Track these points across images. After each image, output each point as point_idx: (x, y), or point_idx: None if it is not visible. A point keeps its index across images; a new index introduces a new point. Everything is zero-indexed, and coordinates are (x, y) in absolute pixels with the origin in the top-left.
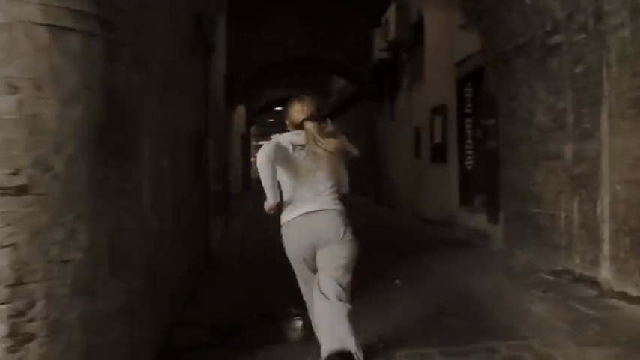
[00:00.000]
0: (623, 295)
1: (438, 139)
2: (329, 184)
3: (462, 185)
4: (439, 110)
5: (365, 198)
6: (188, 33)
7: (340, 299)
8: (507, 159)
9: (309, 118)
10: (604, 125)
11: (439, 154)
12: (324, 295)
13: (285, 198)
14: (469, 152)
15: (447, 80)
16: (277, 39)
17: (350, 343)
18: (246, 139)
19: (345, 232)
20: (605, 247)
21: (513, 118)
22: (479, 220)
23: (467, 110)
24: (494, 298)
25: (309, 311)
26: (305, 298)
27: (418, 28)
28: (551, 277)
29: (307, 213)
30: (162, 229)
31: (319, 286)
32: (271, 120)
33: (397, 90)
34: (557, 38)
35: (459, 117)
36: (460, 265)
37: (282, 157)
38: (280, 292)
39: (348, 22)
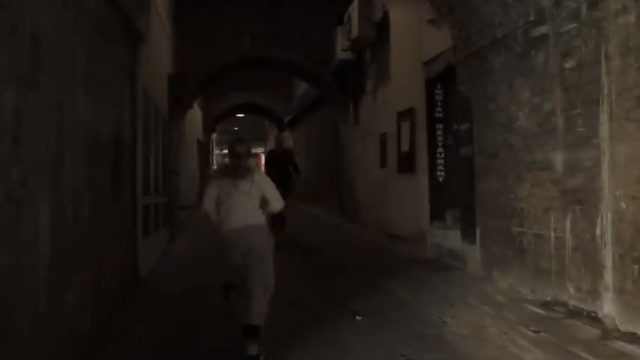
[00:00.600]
0: (633, 337)
1: (405, 147)
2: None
3: (433, 198)
4: (406, 114)
5: (328, 211)
6: (97, 14)
7: None
8: (484, 169)
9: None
10: (603, 129)
11: (407, 163)
12: None
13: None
14: (440, 161)
15: (414, 81)
16: (232, 37)
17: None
18: (204, 147)
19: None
20: (608, 276)
21: (491, 122)
22: (453, 239)
23: (437, 114)
24: (477, 343)
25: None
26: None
27: (383, 26)
28: (540, 311)
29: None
30: (24, 263)
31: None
32: (236, 128)
33: (361, 93)
34: (542, 29)
35: (428, 122)
36: (433, 295)
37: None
38: (220, 341)
39: (309, 19)
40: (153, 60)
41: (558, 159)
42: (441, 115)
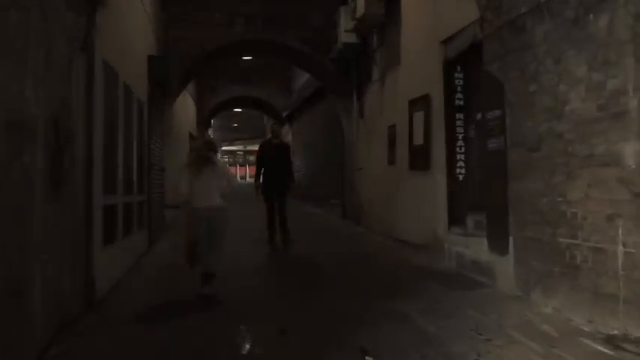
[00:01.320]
0: None
1: (418, 140)
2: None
3: (452, 199)
4: (420, 103)
5: (329, 212)
6: None
7: None
8: (521, 165)
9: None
10: None
11: (420, 158)
12: None
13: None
14: (460, 156)
15: (430, 64)
16: (225, 19)
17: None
18: (195, 140)
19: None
20: None
21: (531, 107)
22: (477, 248)
23: (457, 102)
24: None
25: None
26: None
27: (392, 3)
28: (605, 349)
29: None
30: None
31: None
32: (235, 124)
33: (367, 82)
34: None
35: (447, 110)
36: (461, 323)
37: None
38: None
39: (309, 0)
40: (121, 33)
41: (629, 151)
42: (461, 102)
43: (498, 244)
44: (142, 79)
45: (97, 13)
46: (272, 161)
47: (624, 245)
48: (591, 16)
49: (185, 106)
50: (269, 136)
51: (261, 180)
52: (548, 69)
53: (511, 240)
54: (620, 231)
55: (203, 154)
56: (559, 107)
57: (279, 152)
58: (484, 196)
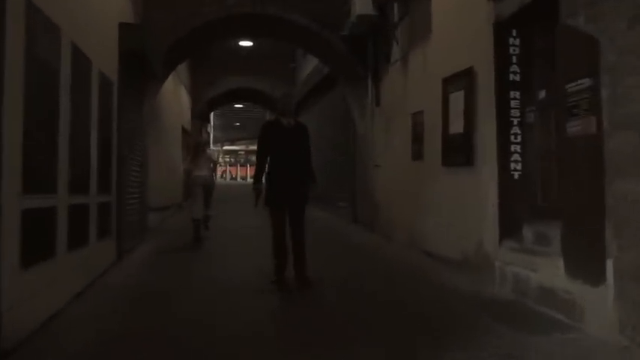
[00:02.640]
0: None
1: (457, 128)
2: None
3: (504, 203)
4: (460, 80)
5: (338, 217)
6: None
7: None
8: (631, 155)
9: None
10: None
11: (459, 150)
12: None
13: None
14: (516, 147)
15: (474, 29)
16: None
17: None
18: (191, 136)
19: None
20: None
21: None
22: (548, 271)
23: (512, 77)
24: None
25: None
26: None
27: None
28: None
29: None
30: None
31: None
32: (237, 124)
33: (385, 64)
34: None
35: (498, 88)
36: None
37: None
38: None
39: None
40: None
41: None
42: (517, 77)
43: (586, 268)
44: (109, 51)
45: None
46: (283, 152)
47: None
48: None
49: (177, 97)
50: (273, 116)
51: (264, 181)
52: None
53: (610, 264)
54: None
55: (202, 146)
56: None
57: (293, 138)
58: (558, 199)
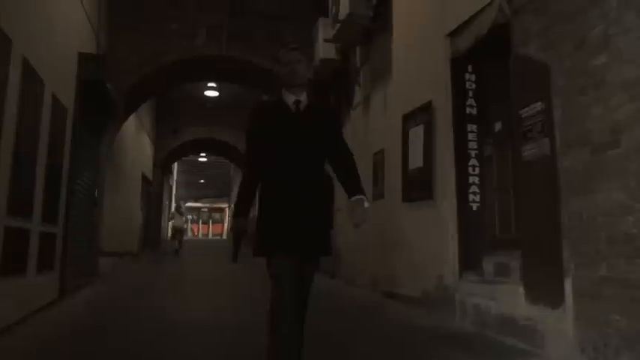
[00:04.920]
0: None
1: (416, 162)
2: None
3: (464, 236)
4: (419, 115)
5: None
6: None
7: None
8: (584, 173)
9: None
10: None
11: (419, 186)
12: None
13: None
14: (474, 179)
15: (432, 66)
16: (185, 30)
17: None
18: (151, 184)
19: None
20: None
21: (598, 87)
22: (508, 299)
23: (469, 110)
24: None
25: None
26: None
27: (382, 5)
28: None
29: None
30: None
31: None
32: (202, 181)
33: (347, 107)
34: None
35: (456, 121)
36: None
37: None
38: None
39: (283, 15)
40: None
41: None
42: (474, 111)
43: (545, 292)
44: (66, 77)
45: None
46: (288, 158)
47: None
48: None
49: (139, 143)
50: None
51: (253, 208)
52: (628, 26)
53: (568, 284)
54: None
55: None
56: None
57: (307, 132)
58: (517, 226)
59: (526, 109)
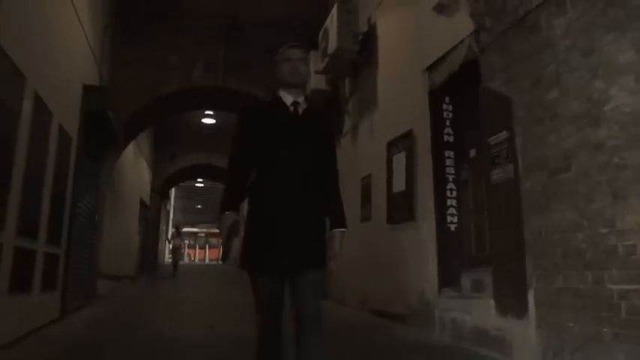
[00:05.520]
0: None
1: (399, 186)
2: None
3: (443, 255)
4: (401, 142)
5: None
6: None
7: None
8: (542, 194)
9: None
10: None
11: (401, 208)
12: None
13: None
14: (452, 202)
15: (413, 97)
16: (183, 63)
17: None
18: (148, 209)
19: None
20: None
21: (551, 119)
22: (481, 312)
23: (446, 137)
24: None
25: None
26: None
27: (368, 42)
28: None
29: None
30: None
31: None
32: (199, 206)
33: (338, 135)
34: None
35: (434, 148)
36: None
37: None
38: None
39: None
40: (38, 33)
41: None
42: (451, 137)
43: (512, 304)
44: (71, 108)
45: None
46: (282, 162)
47: None
48: None
49: (138, 169)
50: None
51: (240, 214)
52: (574, 66)
53: (531, 295)
54: None
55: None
56: (595, 110)
57: (303, 136)
58: (483, 245)
59: (493, 137)
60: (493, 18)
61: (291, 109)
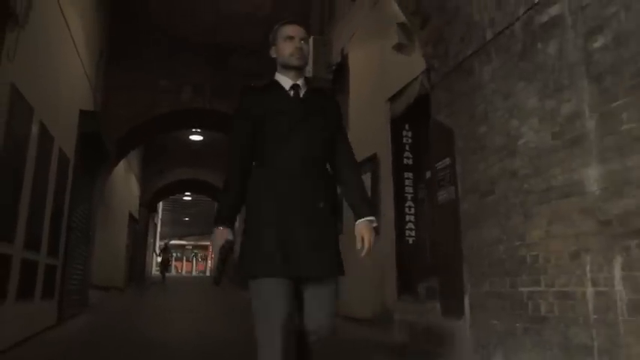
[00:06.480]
0: None
1: None
2: None
3: (401, 266)
4: (367, 164)
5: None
6: None
7: None
8: (474, 213)
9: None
10: None
11: None
12: None
13: None
14: (410, 217)
15: (377, 124)
16: (172, 87)
17: None
18: (137, 222)
19: None
20: None
21: (481, 150)
22: (429, 314)
23: (406, 160)
24: None
25: None
26: None
27: (340, 72)
28: None
29: None
30: None
31: None
32: (186, 219)
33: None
34: (554, 9)
35: (395, 170)
36: None
37: None
38: None
39: (264, 73)
40: (44, 68)
41: (591, 176)
42: (410, 161)
43: (452, 306)
44: (69, 132)
45: (8, 28)
46: (284, 151)
47: (594, 284)
48: (539, 44)
49: (127, 184)
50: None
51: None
52: (497, 107)
53: (467, 299)
54: (587, 268)
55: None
56: (511, 144)
57: (307, 119)
58: (437, 256)
59: (440, 162)
60: (439, 61)
61: (291, 93)
